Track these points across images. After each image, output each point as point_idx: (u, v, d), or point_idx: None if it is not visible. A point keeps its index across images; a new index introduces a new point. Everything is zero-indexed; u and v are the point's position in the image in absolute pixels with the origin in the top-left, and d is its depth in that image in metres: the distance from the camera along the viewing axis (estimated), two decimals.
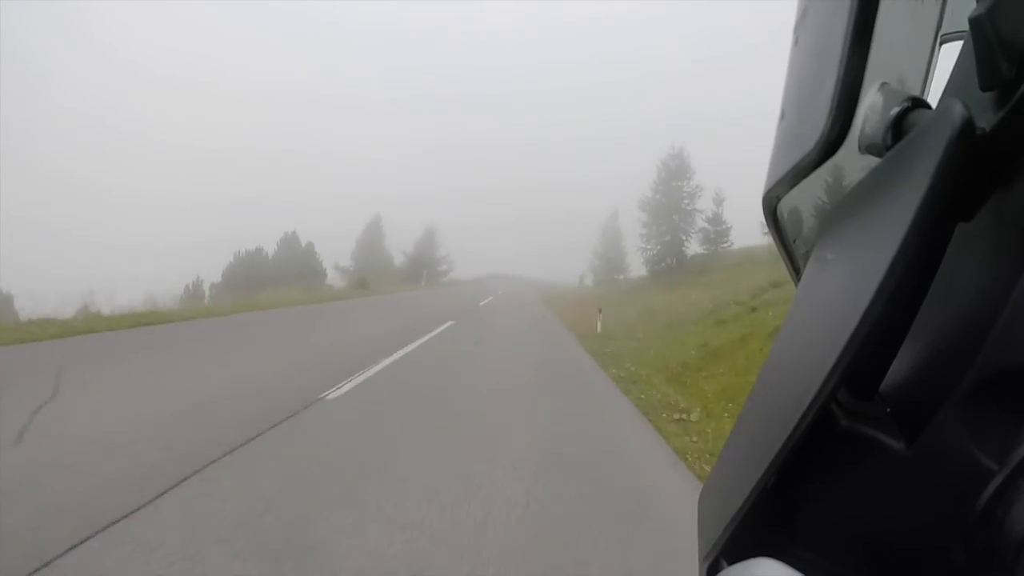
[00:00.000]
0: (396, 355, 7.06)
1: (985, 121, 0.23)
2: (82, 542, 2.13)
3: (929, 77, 0.40)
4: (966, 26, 0.24)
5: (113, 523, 2.28)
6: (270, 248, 40.88)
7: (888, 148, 0.28)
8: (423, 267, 47.80)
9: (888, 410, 0.28)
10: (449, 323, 11.69)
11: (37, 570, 1.93)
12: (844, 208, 0.32)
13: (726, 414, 4.79)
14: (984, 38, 0.23)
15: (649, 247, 33.26)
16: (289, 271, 32.92)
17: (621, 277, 43.16)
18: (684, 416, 4.77)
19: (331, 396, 4.73)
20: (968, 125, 0.22)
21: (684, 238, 31.93)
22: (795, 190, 0.35)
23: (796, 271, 0.44)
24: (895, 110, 0.27)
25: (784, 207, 0.40)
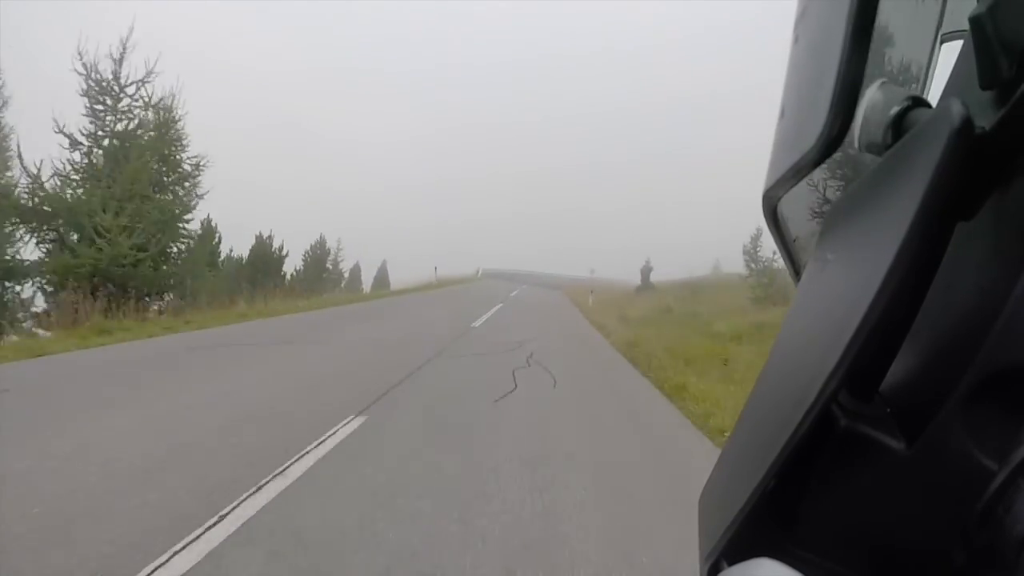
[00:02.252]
0: None
1: (985, 120, 0.23)
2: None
3: (929, 76, 0.40)
4: (966, 25, 0.24)
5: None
6: None
7: (888, 147, 0.27)
8: None
9: (888, 410, 0.28)
10: None
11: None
12: (844, 207, 0.32)
13: None
14: (984, 37, 0.22)
15: None
16: None
17: None
18: None
19: None
20: (968, 124, 0.22)
21: None
22: (795, 189, 0.35)
23: (796, 271, 0.43)
24: (895, 109, 0.27)
25: (784, 206, 0.40)
